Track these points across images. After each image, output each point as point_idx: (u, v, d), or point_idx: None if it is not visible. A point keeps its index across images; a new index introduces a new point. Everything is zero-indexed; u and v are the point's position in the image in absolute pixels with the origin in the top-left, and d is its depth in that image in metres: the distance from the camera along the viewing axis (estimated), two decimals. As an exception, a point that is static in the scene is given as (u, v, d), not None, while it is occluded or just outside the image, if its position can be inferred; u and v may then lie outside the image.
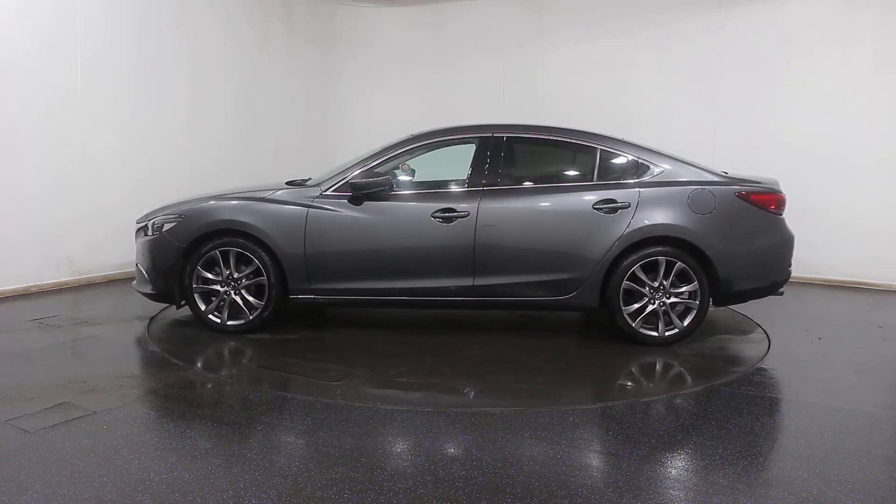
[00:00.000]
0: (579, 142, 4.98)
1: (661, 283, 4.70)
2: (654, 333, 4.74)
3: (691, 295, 4.71)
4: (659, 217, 4.70)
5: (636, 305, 4.74)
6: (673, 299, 4.72)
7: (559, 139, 5.04)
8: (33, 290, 6.19)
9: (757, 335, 5.21)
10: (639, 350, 4.69)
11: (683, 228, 4.67)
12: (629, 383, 4.25)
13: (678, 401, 3.85)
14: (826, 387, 4.13)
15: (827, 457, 3.08)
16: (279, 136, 8.89)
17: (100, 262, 6.78)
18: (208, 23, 7.78)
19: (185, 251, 4.89)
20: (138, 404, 3.59)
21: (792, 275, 5.03)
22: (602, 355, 4.67)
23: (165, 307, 5.56)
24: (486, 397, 3.85)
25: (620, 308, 4.73)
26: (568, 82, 8.54)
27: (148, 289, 5.07)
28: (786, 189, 4.94)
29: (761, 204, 4.77)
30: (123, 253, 6.81)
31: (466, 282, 4.81)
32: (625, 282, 4.70)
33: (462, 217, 4.77)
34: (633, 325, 4.74)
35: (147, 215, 5.21)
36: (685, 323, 4.73)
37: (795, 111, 7.50)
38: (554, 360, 4.53)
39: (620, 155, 4.92)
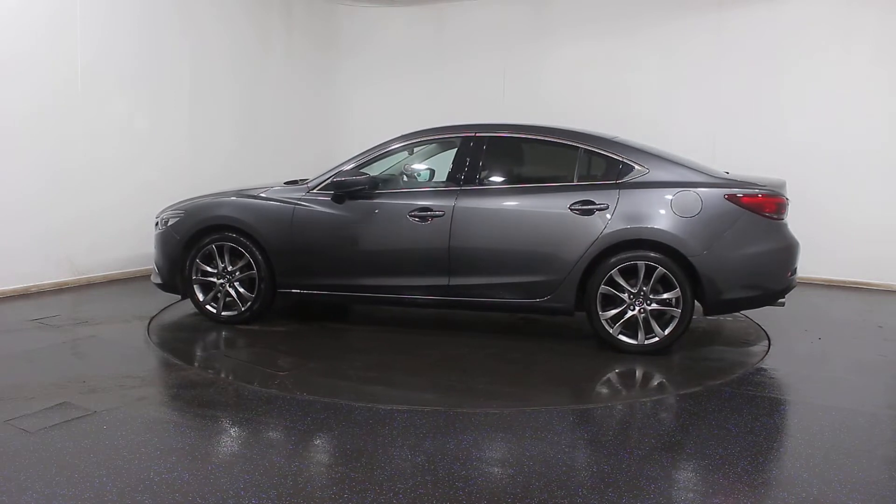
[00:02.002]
0: (561, 141, 4.85)
1: (640, 289, 4.46)
2: (633, 341, 4.51)
3: (675, 302, 4.43)
4: (637, 219, 4.47)
5: (614, 311, 4.52)
6: (654, 306, 4.48)
7: (540, 138, 4.94)
8: (33, 290, 6.19)
9: (757, 335, 5.20)
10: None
11: (663, 232, 4.42)
12: (624, 385, 4.25)
13: (678, 401, 3.85)
14: (826, 387, 4.13)
15: (827, 457, 3.08)
16: (280, 136, 8.87)
17: (100, 262, 6.76)
18: (208, 23, 7.77)
19: (186, 245, 5.13)
20: (138, 404, 3.58)
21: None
22: (592, 358, 4.63)
23: (165, 307, 5.60)
24: (421, 394, 3.87)
25: (598, 313, 4.53)
26: (568, 82, 8.52)
27: (158, 280, 5.35)
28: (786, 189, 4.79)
29: (754, 207, 4.44)
30: (124, 253, 6.84)
31: (442, 281, 4.78)
32: (602, 286, 4.50)
33: (438, 216, 4.74)
34: (611, 331, 4.52)
35: (162, 211, 5.47)
36: (666, 331, 4.47)
37: (795, 111, 7.48)
38: (515, 363, 4.48)
39: (603, 155, 4.73)
